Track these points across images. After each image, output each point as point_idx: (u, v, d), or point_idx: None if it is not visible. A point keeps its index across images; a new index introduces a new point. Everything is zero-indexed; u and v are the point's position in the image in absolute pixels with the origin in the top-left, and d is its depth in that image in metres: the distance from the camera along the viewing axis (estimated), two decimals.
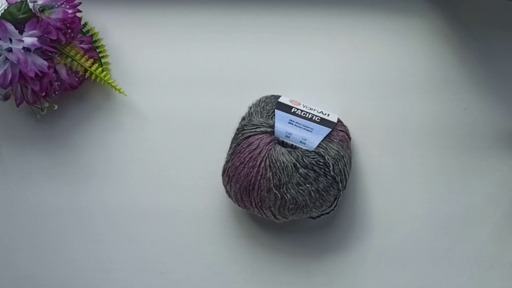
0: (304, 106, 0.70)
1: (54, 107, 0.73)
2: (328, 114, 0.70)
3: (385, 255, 0.72)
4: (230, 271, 0.72)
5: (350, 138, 0.71)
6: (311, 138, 0.68)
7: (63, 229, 0.73)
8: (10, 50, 0.67)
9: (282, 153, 0.66)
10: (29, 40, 0.68)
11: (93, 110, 0.74)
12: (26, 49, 0.68)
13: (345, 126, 0.71)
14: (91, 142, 0.74)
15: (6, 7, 0.69)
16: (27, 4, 0.69)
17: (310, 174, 0.66)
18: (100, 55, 0.74)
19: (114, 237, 0.73)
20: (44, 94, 0.71)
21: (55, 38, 0.69)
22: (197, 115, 0.74)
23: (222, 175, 0.69)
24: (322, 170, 0.66)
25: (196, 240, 0.72)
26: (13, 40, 0.67)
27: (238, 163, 0.67)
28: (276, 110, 0.69)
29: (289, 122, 0.68)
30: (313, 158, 0.66)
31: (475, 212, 0.72)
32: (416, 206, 0.72)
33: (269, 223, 0.71)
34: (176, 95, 0.74)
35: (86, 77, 0.72)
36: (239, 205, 0.69)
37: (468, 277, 0.71)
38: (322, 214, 0.70)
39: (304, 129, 0.68)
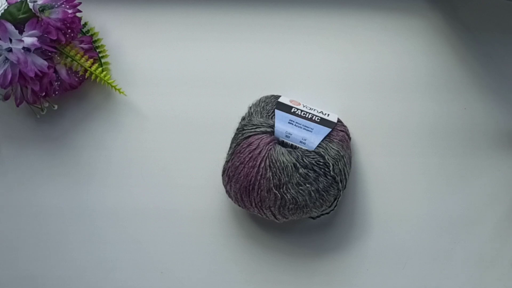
0: (304, 106, 0.70)
1: (54, 107, 0.73)
2: (328, 114, 0.70)
3: (385, 255, 0.72)
4: (230, 271, 0.72)
5: (350, 138, 0.71)
6: (311, 138, 0.68)
7: (63, 229, 0.73)
8: (10, 50, 0.67)
9: (282, 153, 0.66)
10: (29, 40, 0.68)
11: (93, 110, 0.74)
12: (26, 49, 0.68)
13: (345, 126, 0.71)
14: (91, 142, 0.74)
15: (6, 7, 0.69)
16: (27, 4, 0.69)
17: (310, 174, 0.66)
18: (100, 55, 0.74)
19: (114, 237, 0.73)
20: (44, 94, 0.71)
21: (55, 38, 0.69)
22: (197, 115, 0.74)
23: (222, 175, 0.69)
24: (322, 170, 0.66)
25: (196, 240, 0.72)
26: (13, 40, 0.67)
27: (238, 163, 0.67)
28: (276, 110, 0.69)
29: (289, 122, 0.68)
30: (313, 158, 0.66)
31: (475, 212, 0.72)
32: (416, 206, 0.72)
33: (269, 223, 0.71)
34: (176, 95, 0.74)
35: (86, 77, 0.72)
36: (239, 205, 0.69)
37: (468, 277, 0.71)
38: (322, 214, 0.70)
39: (304, 129, 0.68)
